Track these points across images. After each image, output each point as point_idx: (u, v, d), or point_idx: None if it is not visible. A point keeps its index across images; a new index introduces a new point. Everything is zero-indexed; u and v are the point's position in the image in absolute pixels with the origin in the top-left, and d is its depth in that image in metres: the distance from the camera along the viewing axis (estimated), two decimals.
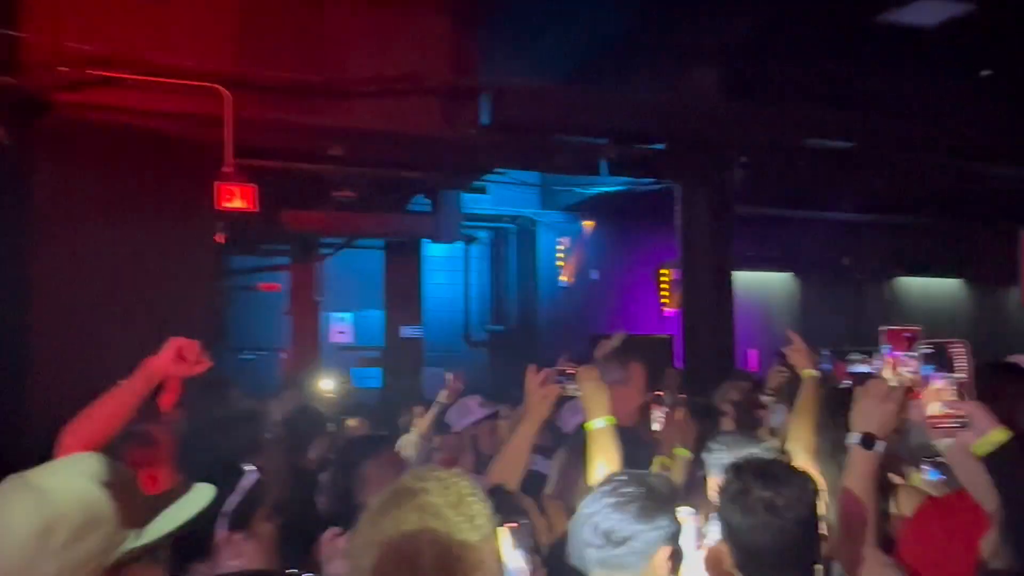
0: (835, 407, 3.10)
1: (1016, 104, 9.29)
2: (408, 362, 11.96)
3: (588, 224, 12.61)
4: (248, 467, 2.52)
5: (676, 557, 2.04)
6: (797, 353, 3.58)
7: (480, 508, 1.61)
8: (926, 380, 2.05)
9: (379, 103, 7.80)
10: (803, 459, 2.95)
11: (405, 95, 7.89)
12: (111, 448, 2.10)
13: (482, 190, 12.10)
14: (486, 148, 8.60)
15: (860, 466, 2.10)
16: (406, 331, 12.32)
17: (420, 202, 11.29)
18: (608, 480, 2.11)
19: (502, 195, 12.15)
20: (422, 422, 4.76)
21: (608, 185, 10.83)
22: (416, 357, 12.16)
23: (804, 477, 2.06)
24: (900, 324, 2.15)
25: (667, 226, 10.23)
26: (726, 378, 8.62)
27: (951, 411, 1.97)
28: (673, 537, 2.03)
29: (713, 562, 2.38)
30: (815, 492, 2.02)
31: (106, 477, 1.55)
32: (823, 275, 14.33)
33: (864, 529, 2.08)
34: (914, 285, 15.45)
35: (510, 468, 2.86)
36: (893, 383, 2.10)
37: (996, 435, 1.91)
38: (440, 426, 4.70)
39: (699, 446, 3.32)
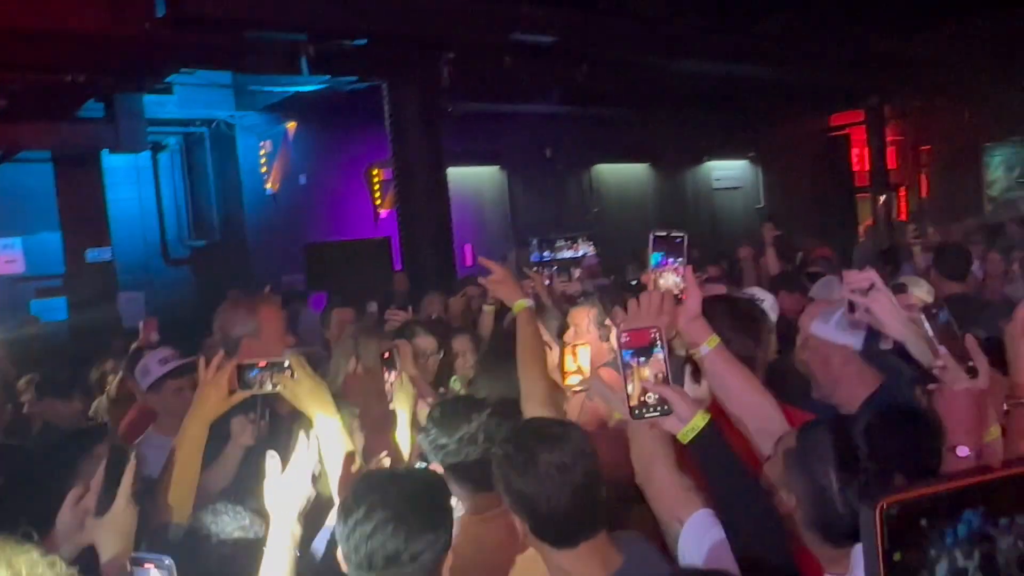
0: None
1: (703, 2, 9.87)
2: (98, 288, 10.85)
3: (291, 125, 11.83)
4: None
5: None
6: (501, 285, 2.92)
7: None
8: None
9: None
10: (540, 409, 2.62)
11: None
12: None
13: (168, 91, 10.88)
14: (163, 46, 7.58)
15: None
16: (92, 254, 11.10)
17: (93, 107, 9.91)
18: (370, 489, 1.80)
19: (191, 97, 11.01)
20: (114, 381, 4.11)
21: (310, 83, 10.13)
22: (108, 282, 11.06)
23: (574, 427, 1.99)
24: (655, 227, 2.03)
25: (376, 124, 9.86)
26: (445, 281, 8.65)
27: (652, 392, 1.80)
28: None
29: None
30: (587, 438, 1.93)
31: None
32: (529, 167, 14.76)
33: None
34: (608, 171, 16.45)
35: (183, 488, 2.29)
36: (669, 291, 2.00)
37: (697, 420, 1.81)
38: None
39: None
